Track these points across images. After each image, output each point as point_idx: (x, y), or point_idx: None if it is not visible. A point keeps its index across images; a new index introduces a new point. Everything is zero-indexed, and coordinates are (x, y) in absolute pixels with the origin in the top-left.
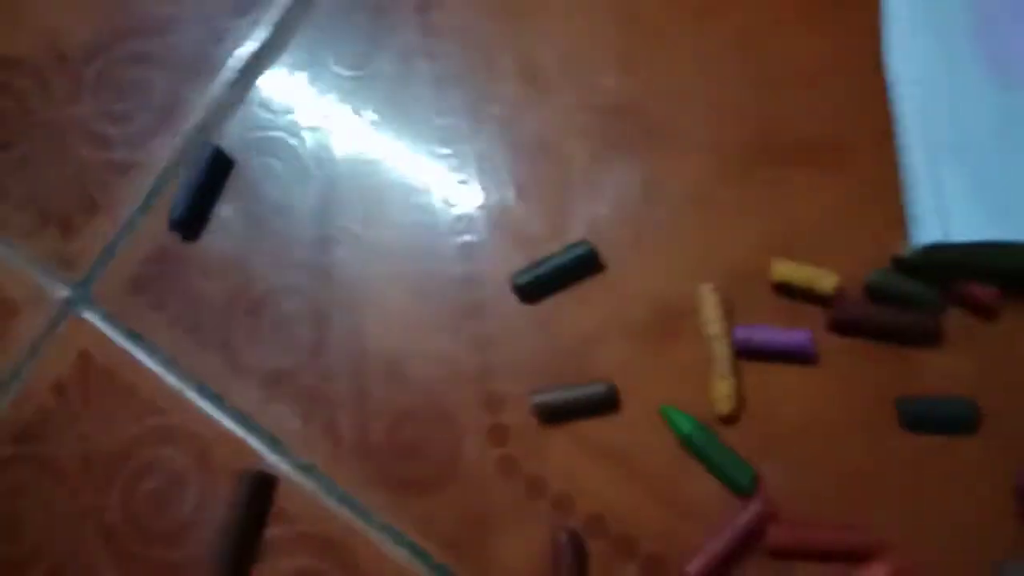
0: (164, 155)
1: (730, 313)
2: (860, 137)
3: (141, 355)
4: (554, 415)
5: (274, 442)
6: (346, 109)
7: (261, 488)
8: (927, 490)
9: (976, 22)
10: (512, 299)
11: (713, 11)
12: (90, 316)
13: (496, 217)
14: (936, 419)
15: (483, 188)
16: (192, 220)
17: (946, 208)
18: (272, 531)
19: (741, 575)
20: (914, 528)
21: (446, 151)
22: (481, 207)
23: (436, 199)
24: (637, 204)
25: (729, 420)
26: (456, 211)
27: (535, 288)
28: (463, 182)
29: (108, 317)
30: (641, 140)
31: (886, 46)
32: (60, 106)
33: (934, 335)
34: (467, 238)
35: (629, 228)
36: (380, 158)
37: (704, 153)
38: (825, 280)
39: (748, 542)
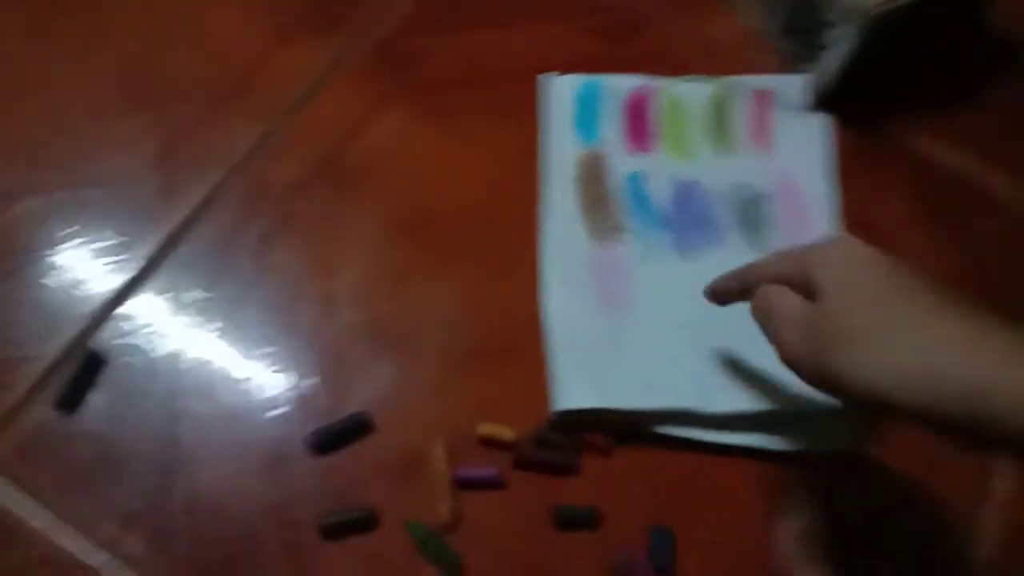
0: (52, 351)
1: (452, 457)
2: (534, 346)
3: (26, 501)
4: (334, 532)
5: (129, 564)
6: (198, 321)
7: None
8: (564, 564)
9: (593, 281)
10: (309, 453)
11: (445, 266)
12: None
13: (301, 394)
14: (574, 520)
15: (293, 375)
16: (72, 402)
17: (568, 386)
18: None
19: None
20: None
21: (268, 350)
22: (289, 388)
23: (256, 384)
24: (396, 386)
25: (449, 529)
26: (270, 391)
27: (325, 443)
28: (277, 371)
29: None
30: (400, 344)
31: (542, 290)
32: None
33: (574, 468)
34: (277, 411)
35: (390, 403)
36: (217, 356)
37: (437, 353)
38: (507, 433)
39: None
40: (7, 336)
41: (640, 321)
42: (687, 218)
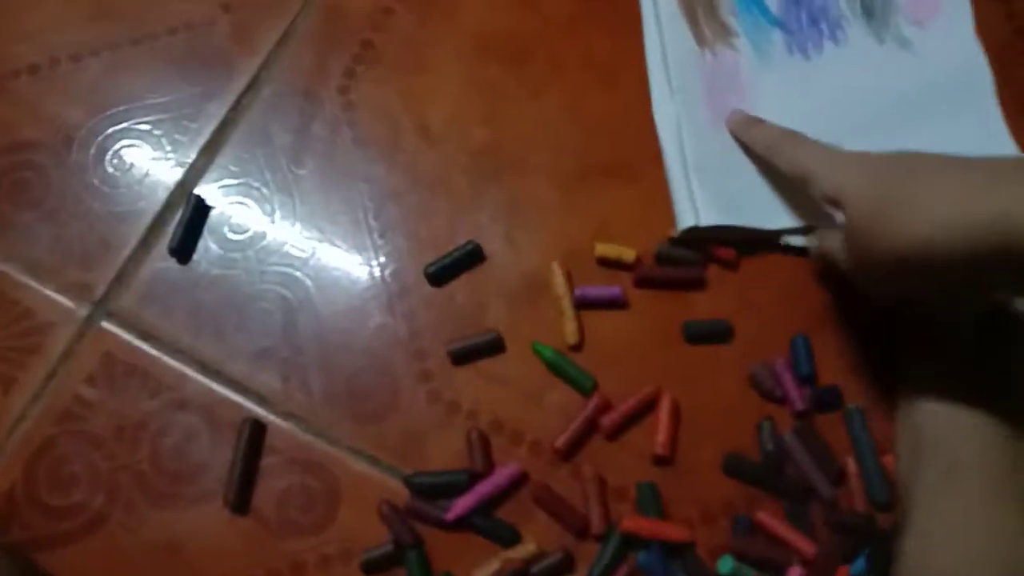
0: (157, 204)
1: (570, 279)
2: (646, 162)
3: (153, 350)
4: (462, 358)
5: (262, 399)
6: (294, 163)
7: (255, 432)
8: (700, 377)
9: (705, 92)
10: (426, 285)
11: (546, 85)
12: (109, 326)
13: (410, 229)
14: (706, 334)
15: (398, 211)
16: (184, 249)
17: (695, 204)
18: (266, 461)
19: (590, 446)
20: (691, 396)
21: (370, 186)
22: (398, 222)
23: (363, 221)
24: (504, 213)
25: (575, 348)
26: (378, 226)
27: (441, 275)
28: (383, 207)
29: (123, 325)
30: (503, 170)
31: (654, 103)
32: (74, 174)
33: (701, 282)
34: (390, 246)
35: (500, 230)
36: (319, 197)
37: (546, 176)
38: (628, 254)
39: (593, 424)
40: (105, 194)
41: None
42: (800, 14)
